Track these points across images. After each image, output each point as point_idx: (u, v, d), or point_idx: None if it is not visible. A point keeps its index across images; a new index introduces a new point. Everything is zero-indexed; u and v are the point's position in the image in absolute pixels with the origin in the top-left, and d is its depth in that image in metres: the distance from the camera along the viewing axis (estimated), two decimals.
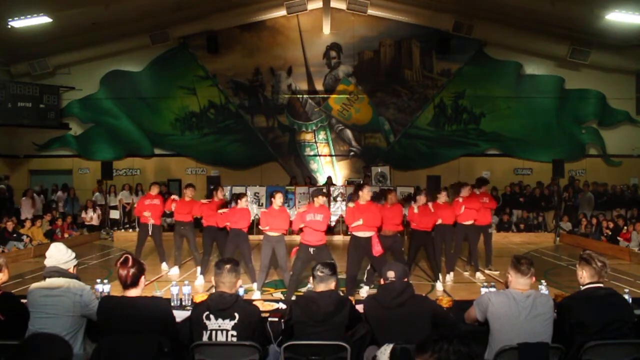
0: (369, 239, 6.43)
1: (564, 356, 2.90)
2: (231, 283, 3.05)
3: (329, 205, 12.19)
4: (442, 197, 7.77)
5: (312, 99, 15.97)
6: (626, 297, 3.54)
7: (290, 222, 6.72)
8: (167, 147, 15.94)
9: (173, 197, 8.79)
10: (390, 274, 3.26)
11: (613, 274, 7.60)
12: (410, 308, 3.14)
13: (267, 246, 6.65)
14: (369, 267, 7.12)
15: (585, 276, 3.14)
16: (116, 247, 11.84)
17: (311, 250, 6.23)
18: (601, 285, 3.11)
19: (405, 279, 3.30)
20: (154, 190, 8.76)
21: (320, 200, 6.37)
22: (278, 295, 6.88)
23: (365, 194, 6.46)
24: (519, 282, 3.02)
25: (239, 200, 7.17)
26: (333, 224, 8.05)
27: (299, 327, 3.11)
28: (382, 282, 3.35)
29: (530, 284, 3.04)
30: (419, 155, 15.80)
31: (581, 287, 3.17)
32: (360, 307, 3.43)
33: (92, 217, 13.30)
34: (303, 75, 15.96)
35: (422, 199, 7.45)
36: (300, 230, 6.43)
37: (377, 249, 6.41)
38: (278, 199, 6.58)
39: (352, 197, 7.79)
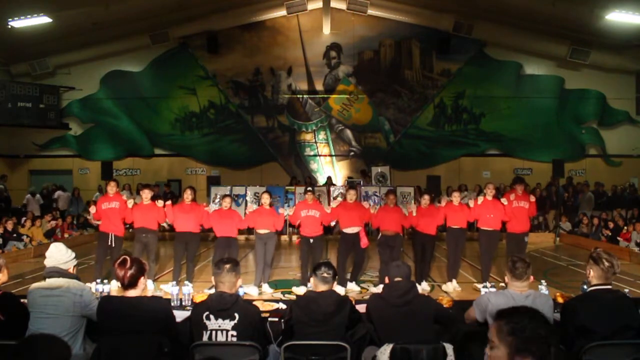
0: (357, 234, 7.09)
1: (564, 356, 2.90)
2: (231, 283, 3.05)
3: (329, 204, 12.18)
4: (456, 198, 7.37)
5: (312, 99, 15.97)
6: None
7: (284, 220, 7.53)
8: (167, 147, 15.94)
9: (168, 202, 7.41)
10: (397, 273, 3.29)
11: None
12: (415, 307, 3.15)
13: (260, 244, 7.08)
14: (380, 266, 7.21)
15: (593, 276, 3.06)
16: None
17: (311, 240, 7.05)
18: (610, 287, 3.02)
19: (407, 279, 3.33)
20: (112, 189, 7.20)
21: (309, 197, 7.28)
22: (278, 295, 6.89)
23: (351, 195, 7.25)
24: (515, 285, 3.01)
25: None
26: (333, 224, 8.04)
27: (299, 327, 3.11)
28: (387, 281, 3.36)
29: (529, 285, 3.03)
30: (419, 155, 15.80)
31: (584, 286, 3.13)
32: (360, 307, 3.43)
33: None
34: (303, 75, 15.96)
35: (425, 200, 7.33)
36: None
37: (364, 242, 7.11)
38: (265, 199, 7.15)
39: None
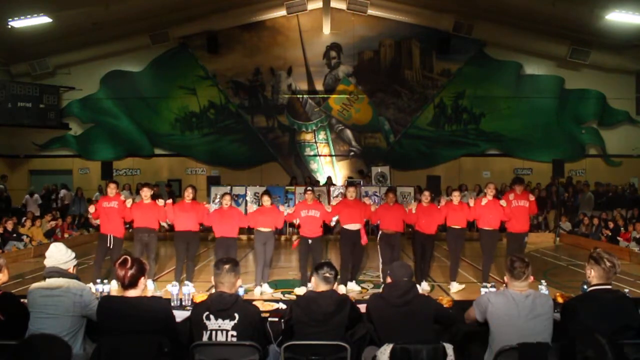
0: (357, 231, 7.10)
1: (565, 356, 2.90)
2: (230, 283, 3.05)
3: (329, 204, 12.19)
4: (456, 198, 7.28)
5: (312, 99, 15.97)
6: None
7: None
8: (167, 147, 15.95)
9: (168, 201, 7.37)
10: (403, 274, 3.29)
11: None
12: (415, 307, 3.15)
13: (260, 242, 7.06)
14: (381, 267, 7.23)
15: (593, 276, 3.05)
16: None
17: (309, 241, 6.99)
18: (610, 287, 3.02)
19: (410, 279, 3.34)
20: (112, 191, 7.19)
21: (309, 196, 7.18)
22: (278, 295, 6.89)
23: (351, 192, 7.30)
24: (515, 285, 3.01)
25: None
26: (333, 223, 8.03)
27: (299, 327, 3.11)
28: (388, 280, 3.36)
29: (529, 284, 3.03)
30: (419, 155, 15.80)
31: (585, 286, 3.12)
32: (360, 307, 3.42)
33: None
34: (303, 75, 15.97)
35: (425, 197, 7.31)
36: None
37: (364, 239, 7.14)
38: (265, 200, 7.10)
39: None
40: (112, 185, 7.30)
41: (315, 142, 16.09)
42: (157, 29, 14.71)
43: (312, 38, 15.86)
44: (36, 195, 13.98)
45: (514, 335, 2.83)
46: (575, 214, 13.44)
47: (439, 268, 8.66)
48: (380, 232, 7.23)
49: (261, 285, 7.03)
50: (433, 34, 15.41)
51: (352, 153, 16.09)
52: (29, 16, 12.01)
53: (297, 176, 15.30)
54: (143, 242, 7.21)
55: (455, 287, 7.23)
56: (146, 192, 7.28)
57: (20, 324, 3.06)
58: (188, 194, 7.16)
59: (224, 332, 2.90)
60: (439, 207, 7.50)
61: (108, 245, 7.10)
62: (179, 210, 7.12)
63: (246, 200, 12.51)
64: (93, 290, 3.95)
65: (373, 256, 9.39)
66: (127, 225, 7.97)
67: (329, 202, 12.38)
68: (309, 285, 6.74)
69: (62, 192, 14.46)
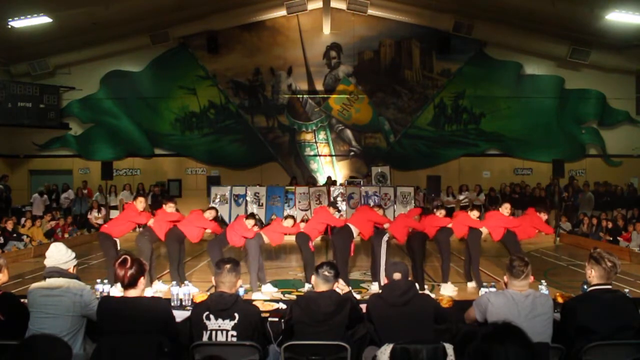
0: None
1: (564, 356, 2.90)
2: (231, 283, 3.05)
3: (328, 202, 12.21)
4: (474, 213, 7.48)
5: (312, 99, 15.97)
6: None
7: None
8: (167, 147, 15.95)
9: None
10: (397, 275, 3.29)
11: None
12: (415, 306, 3.16)
13: (259, 243, 7.05)
14: (371, 265, 7.30)
15: (594, 276, 3.05)
16: None
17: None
18: (610, 287, 3.02)
19: (409, 278, 3.34)
20: (142, 205, 7.19)
21: (332, 210, 7.64)
22: (278, 295, 6.88)
23: None
24: (514, 285, 3.00)
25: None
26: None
27: (299, 327, 3.12)
28: (386, 281, 3.36)
29: (529, 284, 3.03)
30: (419, 155, 15.81)
31: (585, 286, 3.12)
32: (362, 307, 3.43)
33: (96, 216, 13.33)
34: (303, 75, 15.96)
35: (441, 214, 7.46)
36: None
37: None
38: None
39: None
40: (142, 200, 7.25)
41: (316, 142, 16.09)
42: (157, 29, 14.72)
43: (312, 38, 15.86)
44: (45, 196, 13.98)
45: None
46: (575, 214, 13.44)
47: (436, 269, 8.64)
48: (385, 234, 7.26)
49: (260, 288, 6.98)
50: (433, 34, 15.41)
51: (352, 153, 16.09)
52: (29, 16, 12.02)
53: (297, 176, 15.30)
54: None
55: (449, 288, 7.10)
56: (171, 207, 7.29)
57: (20, 324, 3.06)
58: (210, 214, 7.40)
59: (224, 332, 2.91)
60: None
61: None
62: (198, 216, 7.22)
63: (246, 201, 12.53)
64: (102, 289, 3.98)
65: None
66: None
67: (328, 200, 12.38)
68: (307, 286, 6.81)
69: (69, 192, 14.46)
